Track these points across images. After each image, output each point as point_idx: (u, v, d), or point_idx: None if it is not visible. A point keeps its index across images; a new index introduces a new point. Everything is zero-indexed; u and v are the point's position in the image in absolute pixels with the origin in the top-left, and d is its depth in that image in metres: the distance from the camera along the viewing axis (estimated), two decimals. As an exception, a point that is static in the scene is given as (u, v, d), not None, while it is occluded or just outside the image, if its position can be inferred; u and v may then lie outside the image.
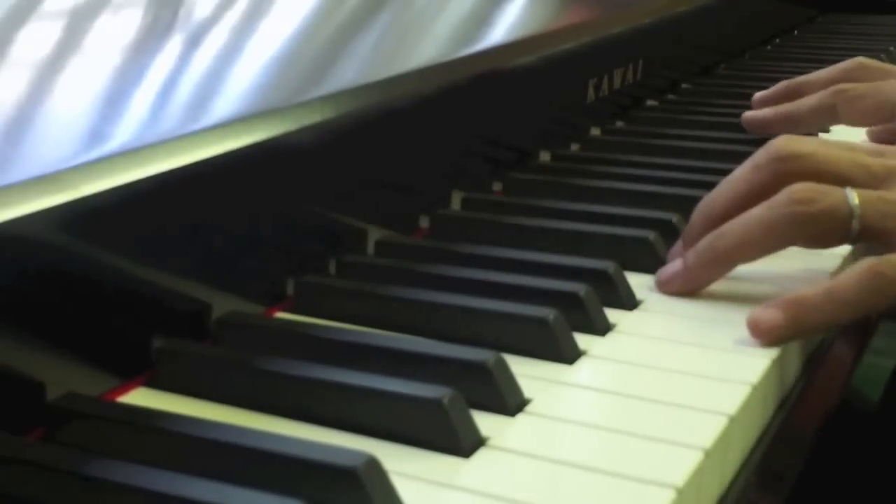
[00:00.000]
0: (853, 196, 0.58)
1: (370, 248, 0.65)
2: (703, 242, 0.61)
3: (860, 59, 0.88)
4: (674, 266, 0.61)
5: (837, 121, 0.86)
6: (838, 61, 1.25)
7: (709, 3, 1.17)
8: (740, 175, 0.63)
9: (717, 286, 0.62)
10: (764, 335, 0.54)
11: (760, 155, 0.63)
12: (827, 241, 0.61)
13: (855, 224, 0.58)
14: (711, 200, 0.63)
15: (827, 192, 0.59)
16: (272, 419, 0.47)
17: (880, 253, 0.57)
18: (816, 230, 0.59)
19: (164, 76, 0.58)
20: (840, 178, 0.60)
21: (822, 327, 0.56)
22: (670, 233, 0.67)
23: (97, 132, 0.50)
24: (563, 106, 0.89)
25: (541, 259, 0.62)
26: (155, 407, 0.47)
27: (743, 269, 0.63)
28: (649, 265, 0.64)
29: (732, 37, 1.29)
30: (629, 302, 0.60)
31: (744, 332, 0.56)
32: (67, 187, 0.45)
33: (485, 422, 0.46)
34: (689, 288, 0.61)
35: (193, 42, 0.64)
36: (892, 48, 1.34)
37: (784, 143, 0.62)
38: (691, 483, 0.43)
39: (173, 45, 0.63)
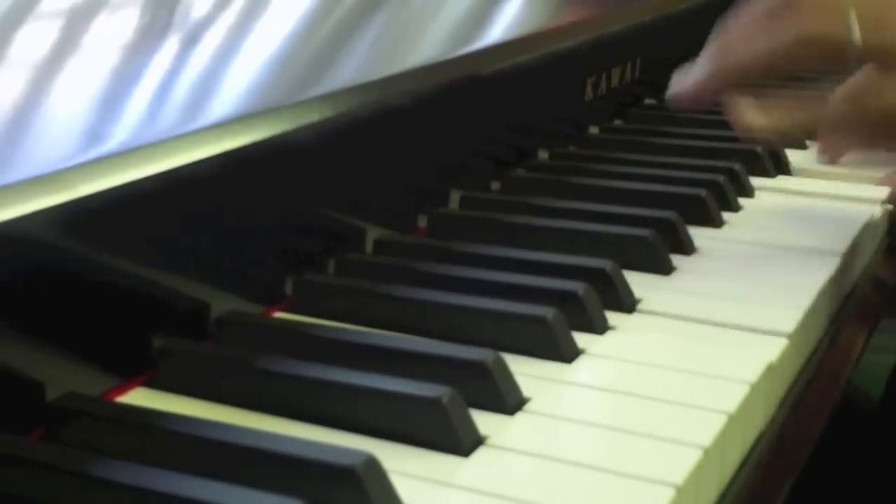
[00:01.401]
0: (853, 18, 0.61)
1: (369, 248, 0.65)
2: (710, 52, 0.65)
3: None
4: (684, 77, 0.66)
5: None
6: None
7: (707, 0, 1.16)
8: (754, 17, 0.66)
9: (716, 286, 0.62)
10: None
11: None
12: (828, 63, 0.64)
13: (854, 38, 0.61)
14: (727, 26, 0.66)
15: (830, 14, 0.62)
16: (271, 419, 0.47)
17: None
18: (816, 51, 0.62)
19: (162, 76, 0.58)
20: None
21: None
22: (669, 231, 0.67)
23: (95, 132, 0.50)
24: (561, 104, 0.89)
25: (539, 258, 0.62)
26: (154, 407, 0.47)
27: (741, 269, 0.64)
28: (648, 264, 0.64)
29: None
30: (628, 300, 0.60)
31: (742, 332, 0.56)
32: (65, 187, 0.45)
33: (484, 421, 0.46)
34: (694, 100, 0.65)
35: (191, 42, 0.64)
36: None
37: None
38: (690, 481, 0.43)
39: (170, 45, 0.63)
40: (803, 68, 0.66)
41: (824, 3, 0.63)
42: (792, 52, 0.63)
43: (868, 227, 0.73)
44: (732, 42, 0.64)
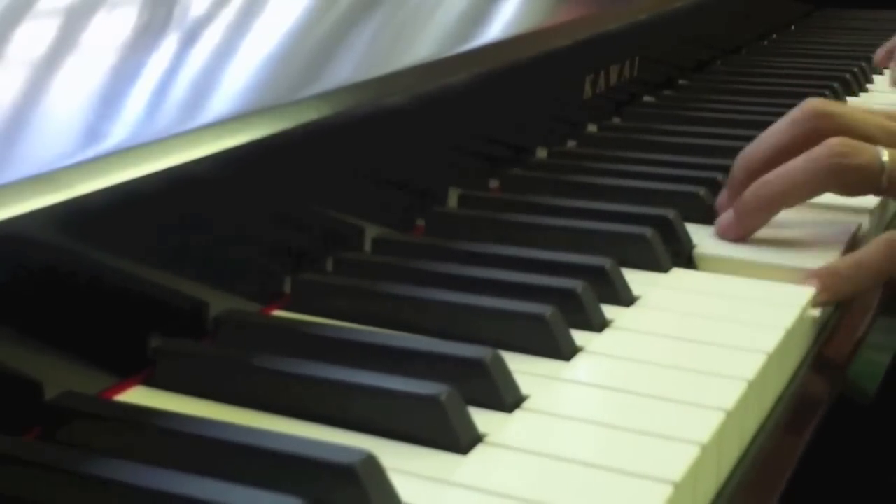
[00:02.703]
0: (884, 154, 0.66)
1: (367, 246, 0.65)
2: (750, 191, 0.68)
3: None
4: (727, 216, 0.69)
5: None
6: (835, 56, 1.25)
7: (704, -1, 1.17)
8: (778, 129, 0.70)
9: (714, 283, 0.62)
10: None
11: (796, 112, 0.69)
12: (859, 191, 0.68)
13: (884, 179, 0.65)
14: (751, 153, 0.70)
15: (862, 148, 0.66)
16: (270, 417, 0.47)
17: None
18: (851, 181, 0.66)
19: (160, 75, 0.58)
20: (867, 138, 0.67)
21: (852, 294, 0.64)
22: (667, 229, 0.67)
23: (93, 131, 0.50)
24: (560, 102, 0.89)
25: (538, 256, 0.62)
26: (153, 405, 0.47)
27: (739, 266, 0.65)
28: (646, 261, 0.64)
29: (729, 33, 1.30)
30: (626, 298, 0.60)
31: (740, 329, 0.56)
32: (63, 186, 0.45)
33: (482, 418, 0.46)
34: (742, 234, 0.68)
35: (188, 40, 0.64)
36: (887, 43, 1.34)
37: (819, 103, 0.69)
38: (688, 478, 0.43)
39: (168, 44, 0.63)
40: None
41: (854, 133, 0.67)
42: (827, 182, 0.67)
43: (870, 218, 0.73)
44: (767, 178, 0.67)
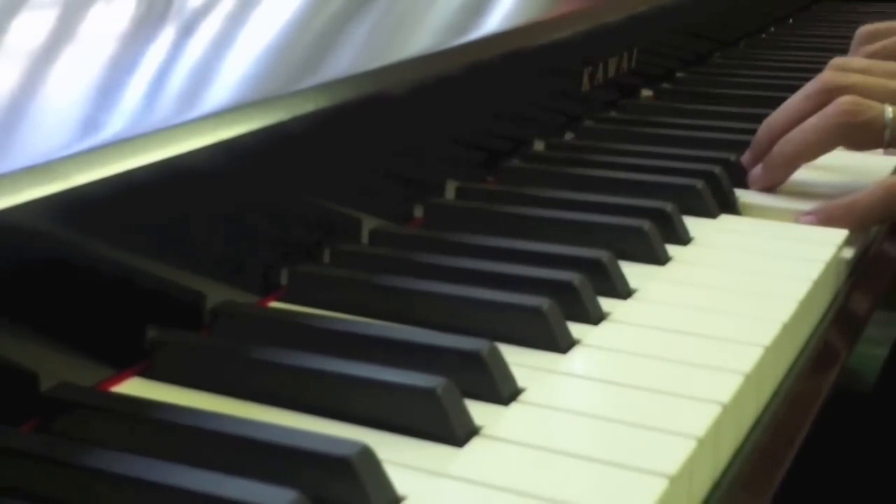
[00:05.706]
0: (889, 111, 0.73)
1: (364, 238, 0.65)
2: (775, 149, 0.76)
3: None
4: (757, 170, 0.78)
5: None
6: (833, 49, 1.25)
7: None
8: (794, 102, 0.78)
9: (711, 276, 0.62)
10: None
11: (811, 86, 0.78)
12: (866, 145, 0.76)
13: (888, 133, 0.73)
14: (772, 120, 0.79)
15: (868, 105, 0.74)
16: (266, 409, 0.47)
17: None
18: (858, 136, 0.74)
19: (158, 65, 0.58)
20: (877, 100, 0.74)
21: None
22: (665, 221, 0.67)
23: (91, 122, 0.50)
24: (557, 95, 0.89)
25: (535, 248, 0.62)
26: (149, 397, 0.47)
27: (736, 259, 0.64)
28: (643, 254, 0.64)
29: (727, 25, 1.29)
30: (623, 291, 0.60)
31: (737, 322, 0.56)
32: (60, 177, 0.45)
33: (478, 411, 0.46)
34: (770, 185, 0.77)
35: (187, 31, 0.64)
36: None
37: (831, 77, 0.78)
38: (684, 471, 0.43)
39: (167, 35, 0.63)
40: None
41: (862, 93, 0.75)
42: (836, 137, 0.74)
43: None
44: (788, 137, 0.76)
